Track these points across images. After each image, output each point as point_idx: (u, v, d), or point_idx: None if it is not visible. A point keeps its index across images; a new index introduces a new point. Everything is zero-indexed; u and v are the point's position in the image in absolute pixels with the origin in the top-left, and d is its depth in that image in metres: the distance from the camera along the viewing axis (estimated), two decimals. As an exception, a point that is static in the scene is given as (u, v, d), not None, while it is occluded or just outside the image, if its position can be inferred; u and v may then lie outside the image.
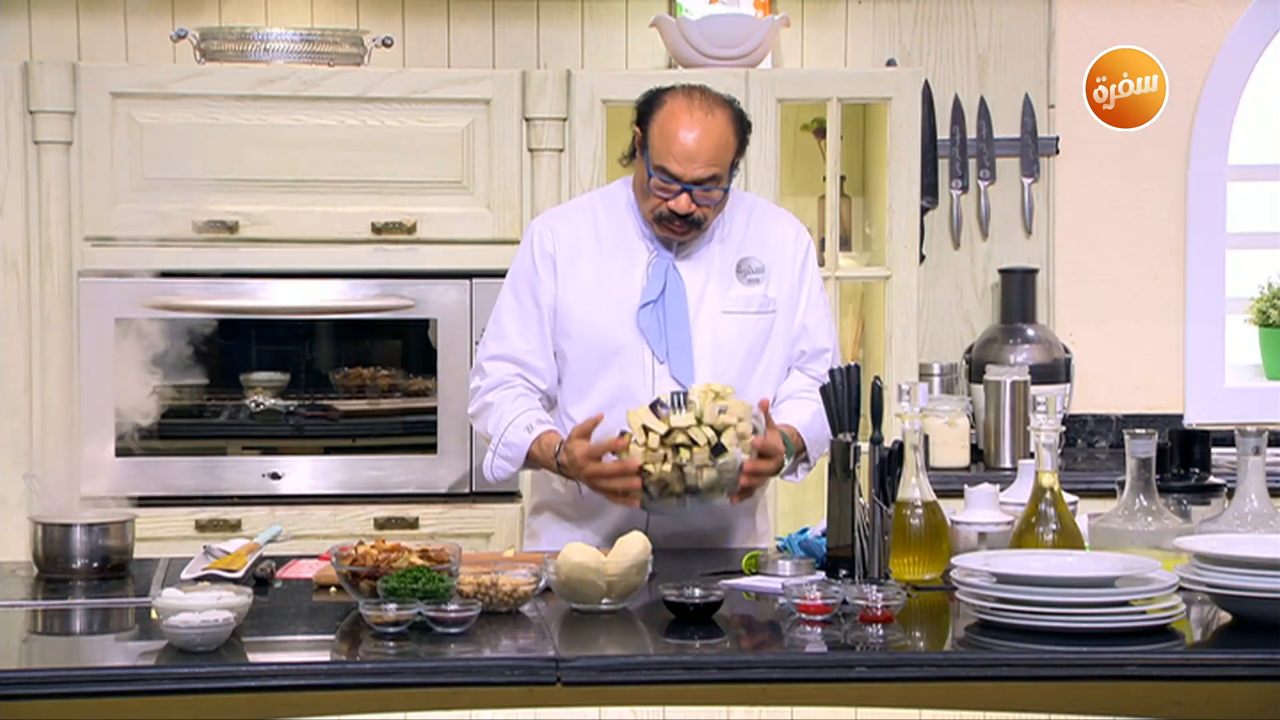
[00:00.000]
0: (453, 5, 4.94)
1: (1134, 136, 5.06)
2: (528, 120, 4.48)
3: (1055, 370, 4.94)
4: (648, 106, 3.47)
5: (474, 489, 4.45)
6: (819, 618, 2.76)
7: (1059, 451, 3.03)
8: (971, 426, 4.79)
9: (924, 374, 4.89)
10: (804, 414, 3.45)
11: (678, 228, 3.44)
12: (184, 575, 3.12)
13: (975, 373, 4.92)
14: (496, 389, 3.51)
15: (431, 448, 4.45)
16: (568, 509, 3.54)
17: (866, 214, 4.91)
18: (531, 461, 3.46)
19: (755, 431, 3.29)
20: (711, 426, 3.22)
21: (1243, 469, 3.01)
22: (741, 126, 3.45)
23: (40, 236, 4.37)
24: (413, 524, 4.40)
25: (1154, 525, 2.98)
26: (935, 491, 3.10)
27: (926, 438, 4.64)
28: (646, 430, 3.23)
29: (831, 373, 3.13)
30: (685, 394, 3.27)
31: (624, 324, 3.47)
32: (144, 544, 3.41)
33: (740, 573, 3.16)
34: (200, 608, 2.62)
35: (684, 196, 3.40)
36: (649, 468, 3.23)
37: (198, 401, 4.45)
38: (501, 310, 3.57)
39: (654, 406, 3.26)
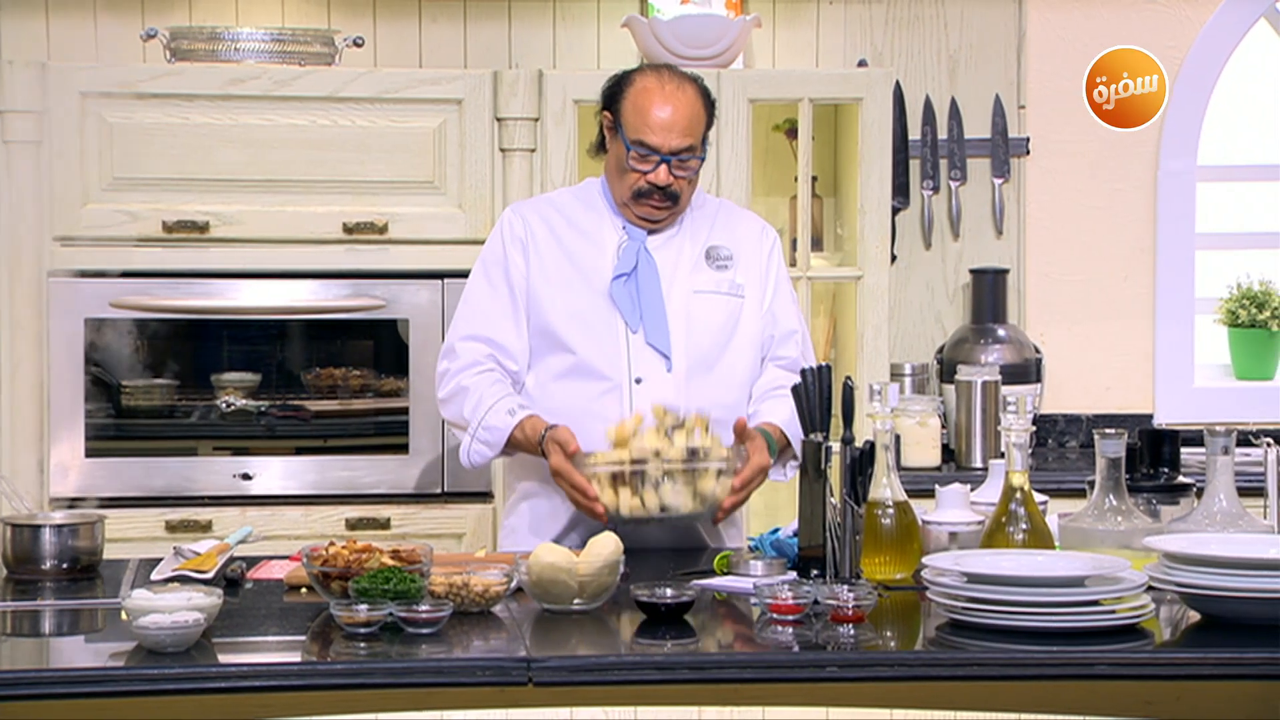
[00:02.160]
0: (424, 5, 4.93)
1: (1104, 137, 5.08)
2: (499, 120, 4.48)
3: (1026, 370, 4.95)
4: (616, 88, 3.54)
5: (446, 489, 4.45)
6: (790, 618, 2.76)
7: (1029, 451, 3.04)
8: (943, 426, 4.81)
9: (895, 374, 4.90)
10: (784, 411, 3.46)
11: (657, 201, 3.49)
12: (154, 576, 3.11)
13: (946, 373, 4.93)
14: (468, 371, 3.50)
15: (403, 448, 4.45)
16: (542, 494, 3.54)
17: (838, 214, 4.92)
18: (512, 447, 3.45)
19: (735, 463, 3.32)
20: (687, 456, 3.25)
21: (1212, 469, 3.03)
22: (709, 101, 3.54)
23: (9, 236, 4.35)
24: (384, 524, 4.39)
25: (1124, 525, 2.99)
26: (906, 491, 3.11)
27: (898, 438, 4.67)
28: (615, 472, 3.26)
29: (803, 372, 3.14)
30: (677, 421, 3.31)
31: (596, 297, 3.52)
32: (114, 545, 3.40)
33: (712, 573, 3.16)
34: (170, 609, 2.62)
35: (663, 168, 3.47)
36: (619, 500, 3.25)
37: (168, 402, 4.43)
38: (472, 292, 3.59)
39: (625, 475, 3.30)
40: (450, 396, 3.53)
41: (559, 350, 3.52)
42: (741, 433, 3.35)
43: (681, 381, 3.51)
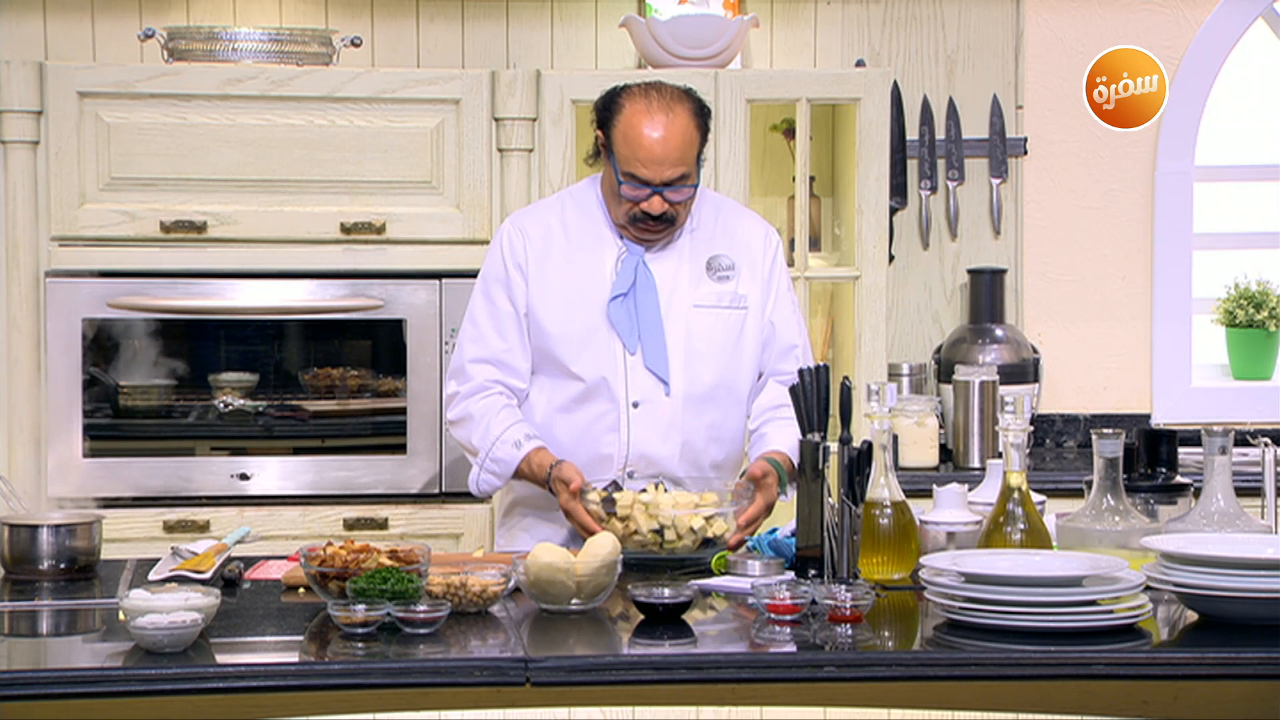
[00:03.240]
0: (422, 5, 4.93)
1: (1101, 137, 5.08)
2: (497, 120, 4.48)
3: (1023, 370, 4.95)
4: (607, 111, 3.48)
5: (443, 490, 4.45)
6: (788, 618, 2.77)
7: (1027, 451, 3.04)
8: (940, 426, 4.81)
9: (893, 374, 4.90)
10: (790, 437, 3.38)
11: (653, 227, 3.46)
12: (152, 576, 3.11)
13: (944, 373, 4.93)
14: (476, 396, 3.50)
15: (401, 448, 4.44)
16: (541, 501, 3.53)
17: (836, 214, 4.92)
18: (519, 477, 3.47)
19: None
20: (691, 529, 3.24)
21: (1209, 469, 3.03)
22: (702, 117, 3.48)
23: (7, 237, 4.35)
24: (382, 524, 4.39)
25: (1121, 525, 2.99)
26: (904, 491, 3.11)
27: (895, 438, 4.68)
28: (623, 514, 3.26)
29: (800, 373, 3.14)
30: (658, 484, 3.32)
31: (594, 317, 3.49)
32: (111, 545, 3.40)
33: (710, 573, 3.16)
34: (168, 609, 2.62)
35: (656, 198, 3.43)
36: (629, 542, 3.24)
37: (166, 402, 4.43)
38: (475, 312, 3.57)
39: (609, 495, 3.28)
40: (459, 420, 3.53)
41: (555, 372, 3.51)
42: (757, 481, 3.35)
43: (679, 405, 3.49)
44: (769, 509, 3.37)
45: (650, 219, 3.45)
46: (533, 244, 3.54)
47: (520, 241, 3.54)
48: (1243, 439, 4.24)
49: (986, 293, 5.00)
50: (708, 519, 3.23)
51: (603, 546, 2.92)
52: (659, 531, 3.22)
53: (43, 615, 2.96)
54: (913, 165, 5.07)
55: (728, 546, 3.27)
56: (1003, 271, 5.04)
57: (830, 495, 3.02)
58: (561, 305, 3.50)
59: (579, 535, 3.39)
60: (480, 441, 3.46)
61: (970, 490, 3.25)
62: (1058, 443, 5.14)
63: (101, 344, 4.36)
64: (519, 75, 4.50)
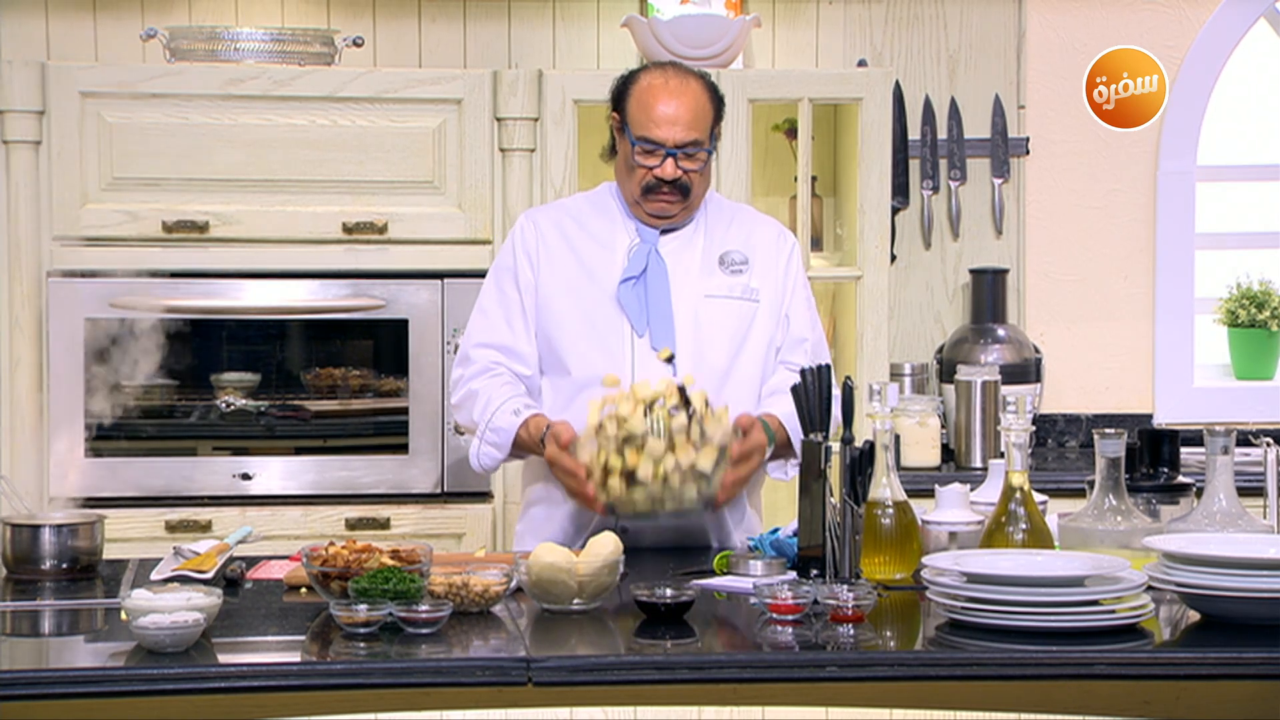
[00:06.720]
0: (424, 5, 4.94)
1: (1103, 137, 5.08)
2: (499, 120, 4.48)
3: (1025, 370, 4.95)
4: (623, 87, 3.54)
5: (446, 489, 4.45)
6: (790, 617, 2.76)
7: (1029, 451, 3.04)
8: (942, 426, 4.81)
9: (895, 374, 4.90)
10: (785, 406, 3.41)
11: (667, 195, 3.48)
12: (153, 576, 3.11)
13: (946, 373, 4.94)
14: (481, 376, 3.52)
15: (403, 448, 4.45)
16: (551, 500, 3.53)
17: (838, 214, 4.92)
18: (519, 448, 3.46)
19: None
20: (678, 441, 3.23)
21: (1211, 468, 3.03)
22: (716, 95, 3.54)
23: (9, 236, 4.35)
24: (384, 524, 4.40)
25: (1123, 525, 2.99)
26: (906, 491, 3.11)
27: (897, 437, 4.68)
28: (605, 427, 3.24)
29: (802, 372, 3.14)
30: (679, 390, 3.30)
31: (604, 300, 3.51)
32: (113, 545, 3.40)
33: (712, 572, 3.16)
34: (170, 609, 2.62)
35: (669, 162, 3.46)
36: (609, 489, 3.23)
37: (168, 402, 4.44)
38: (485, 299, 3.60)
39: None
40: (462, 402, 3.55)
41: (561, 360, 3.52)
42: (744, 430, 3.35)
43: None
44: (760, 449, 3.37)
45: (665, 185, 3.47)
46: (544, 235, 3.57)
47: (532, 233, 3.58)
48: (1245, 439, 4.24)
49: (988, 293, 5.00)
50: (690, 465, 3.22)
51: (605, 546, 2.92)
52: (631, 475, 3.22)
53: (44, 615, 2.96)
54: (914, 165, 5.07)
55: (715, 503, 3.27)
56: (1005, 271, 5.04)
57: (832, 495, 3.02)
58: (571, 291, 3.53)
59: (572, 517, 3.40)
60: (480, 414, 3.47)
61: (972, 490, 3.25)
62: (1060, 443, 5.14)
63: (103, 344, 4.36)
64: (521, 75, 4.50)
